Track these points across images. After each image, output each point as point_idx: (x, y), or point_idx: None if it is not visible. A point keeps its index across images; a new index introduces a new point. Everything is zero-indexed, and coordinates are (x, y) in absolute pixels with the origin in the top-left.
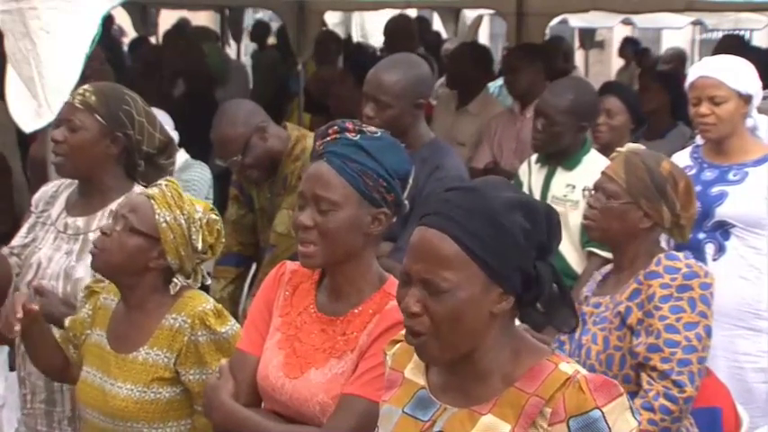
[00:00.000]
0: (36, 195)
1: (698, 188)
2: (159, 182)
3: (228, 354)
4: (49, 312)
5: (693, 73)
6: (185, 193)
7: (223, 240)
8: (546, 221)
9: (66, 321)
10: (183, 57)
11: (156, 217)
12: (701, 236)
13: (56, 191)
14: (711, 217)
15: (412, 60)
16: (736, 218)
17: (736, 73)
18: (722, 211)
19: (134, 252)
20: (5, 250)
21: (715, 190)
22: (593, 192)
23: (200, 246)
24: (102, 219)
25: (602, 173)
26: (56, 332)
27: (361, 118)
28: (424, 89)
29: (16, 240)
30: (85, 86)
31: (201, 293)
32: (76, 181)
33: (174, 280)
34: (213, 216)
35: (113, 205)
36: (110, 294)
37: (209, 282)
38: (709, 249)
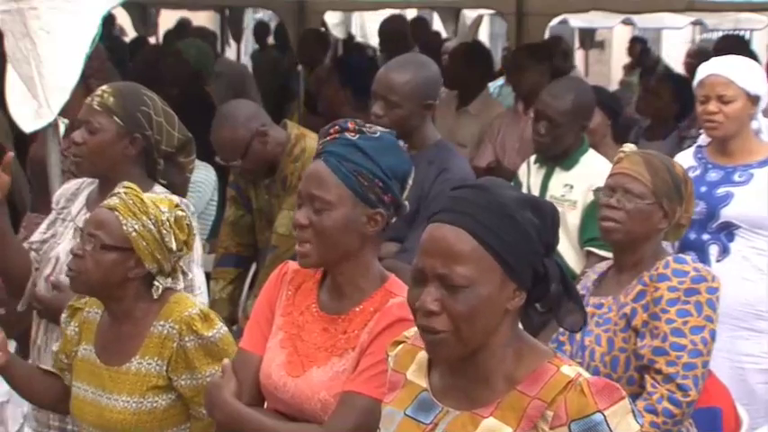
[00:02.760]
0: (57, 192)
1: (703, 189)
2: (118, 190)
3: (218, 357)
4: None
5: (703, 71)
6: (145, 195)
7: (195, 234)
8: (552, 220)
9: (55, 347)
10: (167, 67)
11: (124, 228)
12: (705, 237)
13: (77, 188)
14: (717, 218)
15: (422, 61)
16: (741, 219)
17: (746, 73)
18: (728, 213)
19: (111, 267)
20: (25, 245)
21: (720, 191)
22: (608, 192)
23: (174, 246)
24: None
25: (621, 173)
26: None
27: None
28: (432, 90)
29: (35, 236)
30: (104, 87)
31: (187, 297)
32: (97, 180)
33: (156, 283)
34: (180, 213)
35: None
36: (92, 307)
37: (191, 276)
38: (713, 251)
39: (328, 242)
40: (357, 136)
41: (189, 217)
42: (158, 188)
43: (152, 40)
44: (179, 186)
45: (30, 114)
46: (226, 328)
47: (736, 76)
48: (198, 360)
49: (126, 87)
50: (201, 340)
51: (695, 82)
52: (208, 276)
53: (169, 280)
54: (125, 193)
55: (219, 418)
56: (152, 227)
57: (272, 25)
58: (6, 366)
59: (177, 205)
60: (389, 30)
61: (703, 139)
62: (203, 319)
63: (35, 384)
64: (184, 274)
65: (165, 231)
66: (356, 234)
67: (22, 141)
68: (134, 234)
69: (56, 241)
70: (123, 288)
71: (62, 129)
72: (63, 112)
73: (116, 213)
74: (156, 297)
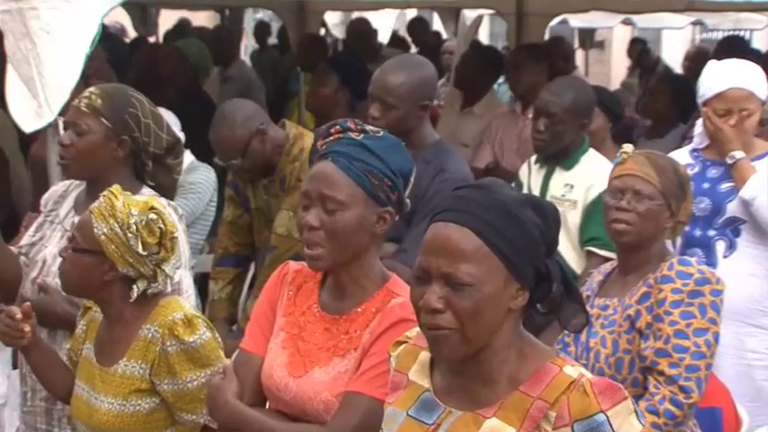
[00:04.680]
0: (45, 195)
1: (705, 186)
2: (102, 194)
3: (199, 363)
4: (52, 310)
5: (722, 82)
6: (122, 199)
7: (176, 236)
8: (554, 221)
9: (67, 344)
10: (167, 64)
11: (95, 231)
12: (712, 233)
13: (65, 190)
14: (722, 213)
15: (417, 62)
16: (747, 213)
17: (760, 82)
18: (734, 208)
19: (87, 270)
20: (14, 249)
21: (725, 186)
22: (616, 194)
23: (140, 249)
24: None
25: (631, 174)
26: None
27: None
28: (428, 90)
29: (24, 239)
30: (92, 89)
31: (177, 300)
32: (86, 182)
33: (134, 287)
34: (152, 216)
35: None
36: (98, 308)
37: (177, 279)
38: (720, 246)
39: (341, 243)
40: (361, 135)
41: (164, 220)
42: (146, 190)
43: (152, 40)
44: (167, 188)
45: (30, 114)
46: (209, 334)
47: (755, 87)
48: (179, 365)
49: (114, 89)
50: (183, 345)
51: (710, 93)
52: (206, 276)
53: (158, 284)
54: (104, 196)
55: (221, 419)
56: (118, 230)
57: (273, 25)
58: (29, 348)
59: (153, 208)
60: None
61: (698, 141)
62: (186, 324)
63: (54, 372)
64: (169, 278)
65: (130, 235)
66: (367, 233)
67: (23, 141)
68: (103, 237)
69: (43, 244)
70: (106, 290)
71: (62, 129)
72: (63, 113)
73: (92, 217)
74: (131, 300)
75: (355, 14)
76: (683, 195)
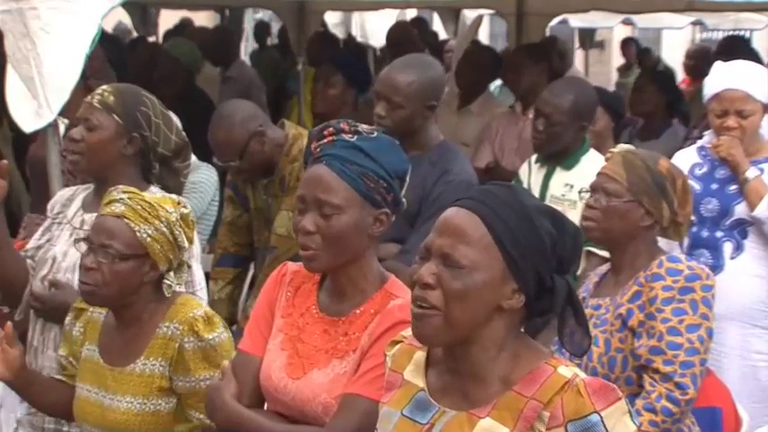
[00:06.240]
0: (52, 200)
1: (714, 186)
2: (119, 195)
3: (214, 363)
4: (65, 304)
5: (718, 83)
6: (149, 196)
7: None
8: (572, 239)
9: (61, 350)
10: (161, 67)
11: (138, 234)
12: (719, 234)
13: (72, 194)
14: (730, 215)
15: (426, 62)
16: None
17: (760, 84)
18: (742, 209)
19: (129, 276)
20: (21, 253)
21: (733, 188)
22: (590, 193)
23: (186, 243)
24: None
25: (601, 173)
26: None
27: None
28: (436, 91)
29: (30, 243)
30: (105, 87)
31: (193, 298)
32: (92, 186)
33: (166, 281)
34: (184, 210)
35: None
36: (96, 308)
37: (192, 274)
38: (728, 248)
39: (338, 247)
40: (354, 137)
41: (191, 212)
42: (154, 188)
43: (152, 40)
44: (173, 191)
45: (30, 114)
46: (228, 334)
47: (753, 89)
48: (193, 362)
49: (126, 88)
50: (201, 342)
51: (708, 93)
52: (207, 276)
53: (183, 276)
54: (129, 198)
55: (220, 420)
56: (165, 229)
57: (273, 25)
58: (21, 384)
59: (179, 203)
60: (397, 36)
61: (707, 140)
62: (206, 322)
63: (48, 396)
64: (189, 266)
65: (177, 231)
66: (364, 236)
67: (22, 141)
68: (149, 239)
69: (51, 244)
70: (137, 293)
71: (62, 129)
72: (63, 113)
73: (126, 221)
74: (168, 295)
75: (356, 13)
76: (661, 195)
